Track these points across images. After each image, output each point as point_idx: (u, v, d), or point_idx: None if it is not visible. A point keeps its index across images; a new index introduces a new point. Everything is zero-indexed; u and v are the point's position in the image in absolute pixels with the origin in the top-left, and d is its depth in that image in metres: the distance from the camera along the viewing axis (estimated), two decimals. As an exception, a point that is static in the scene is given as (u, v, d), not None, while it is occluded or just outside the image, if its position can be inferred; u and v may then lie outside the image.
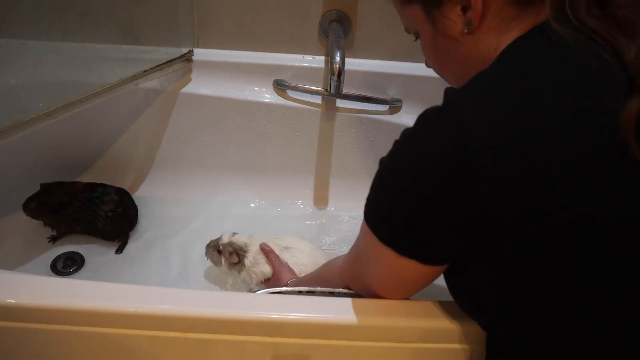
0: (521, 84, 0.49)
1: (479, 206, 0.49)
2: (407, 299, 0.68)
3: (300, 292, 0.77)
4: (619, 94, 0.46)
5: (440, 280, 0.63)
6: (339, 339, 0.67)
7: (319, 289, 0.82)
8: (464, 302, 0.63)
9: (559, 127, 0.47)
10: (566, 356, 0.55)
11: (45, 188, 1.10)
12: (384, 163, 0.57)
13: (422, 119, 0.55)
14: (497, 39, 0.56)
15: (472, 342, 0.67)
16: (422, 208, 0.52)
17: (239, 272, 1.03)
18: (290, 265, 0.99)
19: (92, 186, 1.14)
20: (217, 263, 1.05)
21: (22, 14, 0.97)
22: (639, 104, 0.45)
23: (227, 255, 1.02)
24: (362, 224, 0.60)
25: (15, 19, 0.96)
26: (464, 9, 0.56)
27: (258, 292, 0.75)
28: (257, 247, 1.02)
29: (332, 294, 0.78)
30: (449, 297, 0.68)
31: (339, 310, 0.67)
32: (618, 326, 0.51)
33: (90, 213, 1.11)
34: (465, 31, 0.57)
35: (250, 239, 1.04)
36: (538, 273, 0.50)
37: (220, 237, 1.05)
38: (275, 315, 0.66)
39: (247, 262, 1.01)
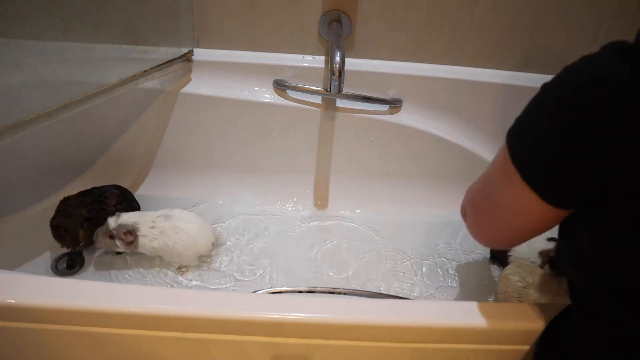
0: None
1: (628, 157, 0.47)
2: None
3: (300, 292, 0.77)
4: None
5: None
6: (339, 339, 0.67)
7: (319, 288, 0.82)
8: (569, 261, 0.60)
9: None
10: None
11: (62, 216, 1.07)
12: (547, 85, 0.53)
13: (604, 50, 0.50)
14: None
15: (472, 341, 0.67)
16: (571, 140, 0.49)
17: (136, 248, 1.08)
18: (171, 242, 1.06)
19: (88, 191, 1.14)
20: (112, 247, 1.08)
21: (22, 14, 0.97)
22: None
23: (122, 236, 1.06)
24: (501, 146, 0.58)
25: (15, 19, 0.96)
26: None
27: (258, 292, 0.75)
28: (148, 224, 1.07)
29: (332, 294, 0.78)
30: (449, 297, 0.68)
31: (339, 310, 0.67)
32: None
33: (101, 212, 1.12)
34: None
35: (140, 216, 1.09)
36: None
37: (107, 222, 1.07)
38: (275, 315, 0.66)
39: (142, 239, 1.07)
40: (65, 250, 1.12)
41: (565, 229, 0.58)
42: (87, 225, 1.08)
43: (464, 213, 0.69)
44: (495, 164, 0.60)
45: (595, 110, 0.47)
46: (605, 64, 0.48)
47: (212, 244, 1.12)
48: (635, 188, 0.47)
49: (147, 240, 1.07)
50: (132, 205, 1.19)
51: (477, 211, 0.65)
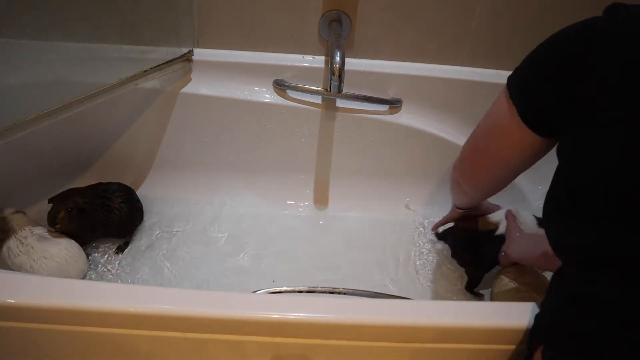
0: None
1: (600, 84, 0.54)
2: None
3: (300, 292, 0.77)
4: None
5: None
6: (339, 339, 0.67)
7: (319, 288, 0.82)
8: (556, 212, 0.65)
9: None
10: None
11: (59, 200, 1.08)
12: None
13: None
14: None
15: (472, 341, 0.67)
16: (553, 65, 0.59)
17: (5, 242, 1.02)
18: (36, 266, 0.99)
19: (94, 186, 1.15)
20: None
21: (22, 14, 0.97)
22: None
23: None
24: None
25: (15, 19, 0.96)
26: None
27: (258, 292, 0.75)
28: (20, 236, 1.01)
29: (332, 294, 0.78)
30: (447, 297, 0.68)
31: (339, 310, 0.67)
32: None
33: (104, 208, 1.12)
34: None
35: (27, 224, 1.03)
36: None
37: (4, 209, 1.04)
38: (275, 315, 0.66)
39: (7, 245, 1.00)
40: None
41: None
42: (76, 213, 1.07)
43: (455, 166, 0.84)
44: (493, 105, 0.70)
45: (569, 36, 0.58)
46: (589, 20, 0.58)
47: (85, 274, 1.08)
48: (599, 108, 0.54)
49: (10, 252, 1.00)
50: (135, 205, 1.19)
51: (470, 149, 0.78)
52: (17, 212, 1.05)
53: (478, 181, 0.81)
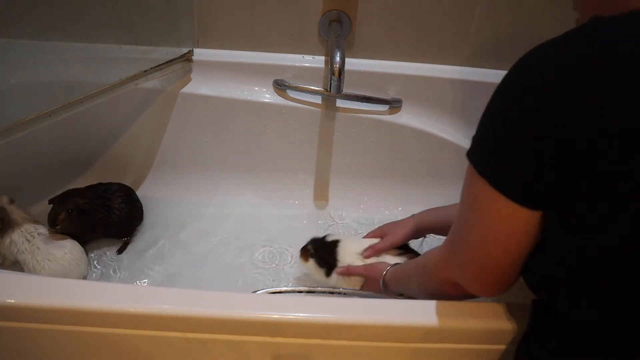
0: None
1: (595, 135, 0.45)
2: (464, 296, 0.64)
3: (300, 292, 0.77)
4: None
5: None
6: (339, 339, 0.67)
7: (319, 288, 0.82)
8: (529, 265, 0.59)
9: None
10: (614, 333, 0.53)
11: (59, 200, 1.08)
12: (497, 88, 0.53)
13: (556, 37, 0.50)
14: None
15: (472, 341, 0.67)
16: (533, 132, 0.49)
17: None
18: (39, 267, 0.99)
19: (94, 186, 1.15)
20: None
21: (22, 14, 0.97)
22: None
23: None
24: (465, 179, 0.58)
25: (15, 19, 0.96)
26: None
27: (258, 292, 0.75)
28: (26, 232, 1.01)
29: (332, 294, 0.78)
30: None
31: (339, 310, 0.67)
32: None
33: (104, 209, 1.12)
34: None
35: (29, 221, 1.04)
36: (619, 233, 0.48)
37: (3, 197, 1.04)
38: (275, 315, 0.66)
39: (11, 239, 1.01)
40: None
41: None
42: (76, 214, 1.06)
43: (453, 281, 0.65)
44: (464, 197, 0.59)
45: (542, 99, 0.47)
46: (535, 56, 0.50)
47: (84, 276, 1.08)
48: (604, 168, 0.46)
49: (14, 246, 1.01)
50: (135, 205, 1.19)
51: (461, 262, 0.62)
52: (11, 201, 1.05)
53: (495, 290, 0.64)
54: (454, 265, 0.64)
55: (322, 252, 1.00)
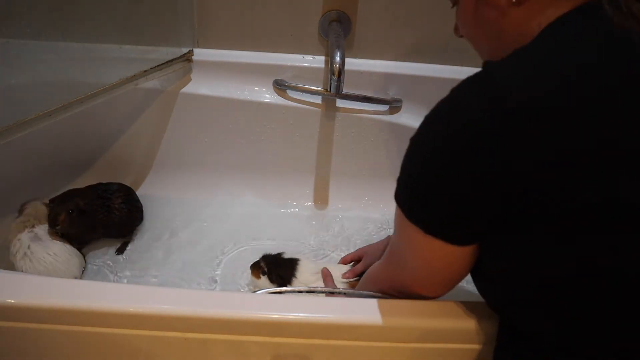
0: (561, 65, 0.48)
1: (513, 179, 0.48)
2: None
3: (300, 292, 0.77)
4: None
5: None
6: (339, 339, 0.67)
7: (319, 288, 0.82)
8: (483, 285, 0.63)
9: (594, 110, 0.46)
10: (577, 351, 0.54)
11: (59, 200, 1.08)
12: (414, 139, 0.56)
13: (457, 88, 0.54)
14: (543, 14, 0.53)
15: (472, 341, 0.67)
16: (454, 183, 0.51)
17: None
18: (26, 267, 0.99)
19: (94, 186, 1.15)
20: None
21: (22, 14, 0.97)
22: None
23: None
24: (395, 213, 0.60)
25: (15, 19, 0.96)
26: None
27: (258, 292, 0.75)
28: (21, 226, 1.03)
29: (332, 294, 0.78)
30: (449, 297, 0.68)
31: (339, 310, 0.67)
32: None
33: (104, 209, 1.12)
34: (514, 1, 0.55)
35: (30, 217, 1.05)
36: (559, 259, 0.50)
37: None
38: (275, 315, 0.66)
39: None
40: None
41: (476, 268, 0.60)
42: (77, 215, 1.06)
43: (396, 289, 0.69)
44: (396, 235, 0.62)
45: (466, 148, 0.49)
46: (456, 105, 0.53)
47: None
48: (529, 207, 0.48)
49: (15, 244, 1.02)
50: (135, 205, 1.19)
51: (400, 287, 0.67)
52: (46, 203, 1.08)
53: (441, 294, 0.69)
54: (391, 286, 0.69)
55: (276, 269, 0.99)
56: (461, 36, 0.69)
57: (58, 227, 1.06)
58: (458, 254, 0.57)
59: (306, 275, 0.98)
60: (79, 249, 1.13)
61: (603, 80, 0.47)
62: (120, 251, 1.16)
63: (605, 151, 0.46)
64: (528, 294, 0.55)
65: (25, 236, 1.02)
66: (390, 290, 0.70)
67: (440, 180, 0.52)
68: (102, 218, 1.11)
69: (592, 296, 0.51)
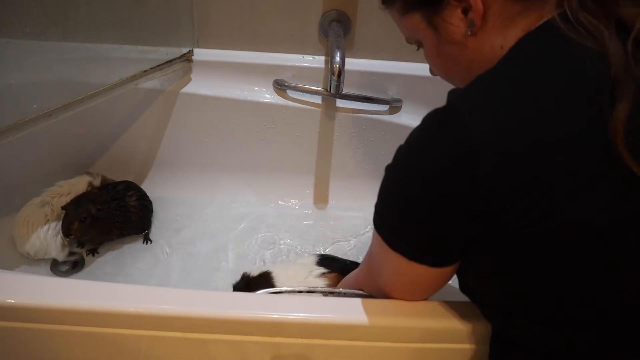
0: (524, 89, 0.49)
1: (479, 210, 0.50)
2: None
3: (300, 292, 0.77)
4: (605, 100, 0.46)
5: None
6: (339, 339, 0.67)
7: (319, 288, 0.82)
8: (471, 297, 0.64)
9: (557, 136, 0.47)
10: (564, 356, 0.55)
11: (71, 208, 1.07)
12: (389, 171, 0.58)
13: (424, 124, 0.56)
14: (502, 37, 0.54)
15: (472, 341, 0.67)
16: (428, 215, 0.53)
17: None
18: None
19: (103, 188, 1.15)
20: None
21: (22, 14, 0.97)
22: (624, 112, 0.44)
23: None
24: (373, 231, 0.61)
25: (15, 19, 0.96)
26: (465, 11, 0.55)
27: (258, 292, 0.75)
28: None
29: (332, 294, 0.78)
30: (449, 298, 0.68)
31: (339, 310, 0.67)
32: (609, 327, 0.52)
33: (120, 210, 1.12)
34: (469, 33, 0.56)
35: None
36: (530, 275, 0.52)
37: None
38: (275, 315, 0.66)
39: None
40: (65, 251, 1.12)
41: (459, 274, 0.62)
42: (90, 221, 1.06)
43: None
44: (376, 254, 0.63)
45: (453, 185, 0.50)
46: (428, 135, 0.55)
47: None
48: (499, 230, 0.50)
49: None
50: (146, 197, 1.20)
51: (380, 296, 0.69)
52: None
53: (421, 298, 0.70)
54: (372, 289, 0.70)
55: (255, 287, 0.98)
56: (436, 75, 0.70)
57: (72, 236, 1.06)
58: (441, 272, 0.59)
59: (286, 282, 0.97)
60: (95, 249, 1.14)
61: (560, 119, 0.47)
62: (145, 241, 1.19)
63: (563, 180, 0.47)
64: (509, 305, 0.56)
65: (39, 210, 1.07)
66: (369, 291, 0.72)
67: (416, 212, 0.54)
68: (120, 220, 1.12)
69: (570, 307, 0.51)
